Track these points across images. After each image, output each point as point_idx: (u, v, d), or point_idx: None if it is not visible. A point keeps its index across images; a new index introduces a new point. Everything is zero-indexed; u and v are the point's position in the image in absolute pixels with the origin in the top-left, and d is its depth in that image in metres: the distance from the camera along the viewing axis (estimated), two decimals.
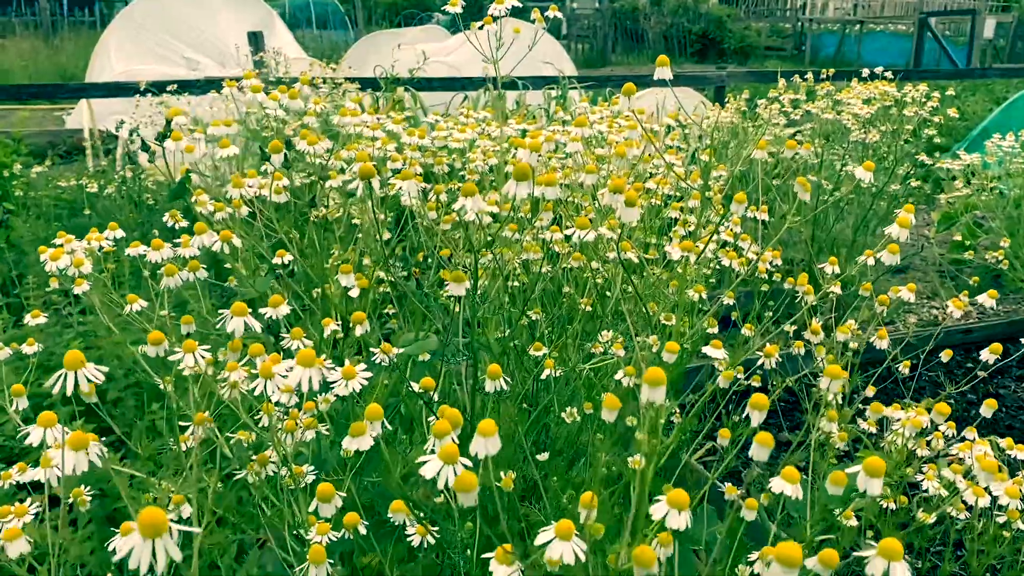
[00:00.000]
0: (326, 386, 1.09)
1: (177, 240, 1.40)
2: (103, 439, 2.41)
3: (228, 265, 1.65)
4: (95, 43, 9.19)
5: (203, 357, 1.00)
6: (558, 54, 8.47)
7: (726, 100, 3.60)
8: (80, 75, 10.57)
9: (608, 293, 1.63)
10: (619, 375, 1.18)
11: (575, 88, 5.88)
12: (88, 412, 2.53)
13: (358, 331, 1.05)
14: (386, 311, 2.04)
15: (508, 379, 1.04)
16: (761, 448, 0.73)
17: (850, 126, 3.09)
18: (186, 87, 4.68)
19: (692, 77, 7.34)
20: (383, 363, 1.10)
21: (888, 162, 3.22)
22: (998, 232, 4.10)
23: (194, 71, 8.02)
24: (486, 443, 0.67)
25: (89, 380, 0.95)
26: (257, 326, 0.88)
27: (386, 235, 1.79)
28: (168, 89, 4.46)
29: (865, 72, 3.39)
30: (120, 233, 1.47)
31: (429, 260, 1.53)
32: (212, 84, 4.81)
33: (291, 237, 1.58)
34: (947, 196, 4.16)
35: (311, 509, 0.92)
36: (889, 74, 3.35)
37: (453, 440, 0.77)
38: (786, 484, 0.78)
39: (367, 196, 0.95)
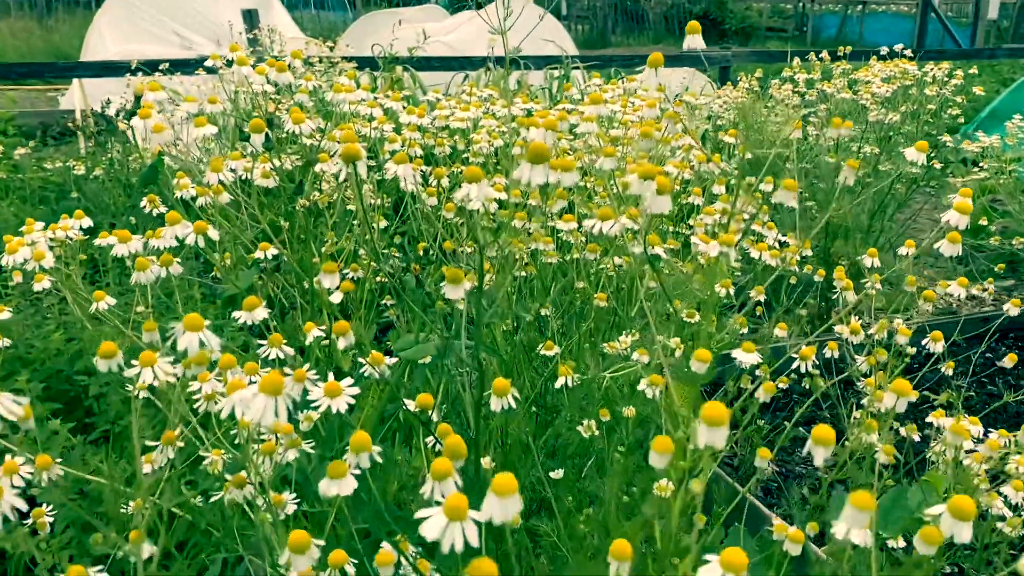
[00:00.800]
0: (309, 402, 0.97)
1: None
2: (85, 436, 2.28)
3: (217, 255, 1.52)
4: (90, 23, 9.00)
5: (165, 371, 0.87)
6: (559, 34, 8.29)
7: (738, 80, 3.45)
8: (75, 55, 10.38)
9: (623, 286, 1.50)
10: (643, 385, 1.05)
11: (577, 68, 5.72)
12: (68, 408, 2.40)
13: (341, 344, 0.92)
14: (384, 302, 1.91)
15: (516, 395, 0.91)
16: (859, 513, 0.59)
17: (868, 106, 2.95)
18: (179, 66, 4.53)
19: (696, 57, 7.15)
20: (374, 376, 0.97)
21: (905, 144, 3.08)
22: (1017, 216, 3.97)
23: (189, 51, 7.85)
24: (504, 505, 0.52)
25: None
26: (215, 342, 0.74)
27: (382, 222, 1.66)
28: (160, 68, 4.30)
29: (884, 50, 3.25)
30: (88, 222, 1.34)
31: (431, 252, 1.39)
32: (205, 65, 4.65)
33: (279, 226, 1.45)
34: (963, 179, 4.02)
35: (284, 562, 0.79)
36: (909, 52, 3.21)
37: (456, 484, 0.64)
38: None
39: (354, 181, 0.82)
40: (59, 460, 2.10)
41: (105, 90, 5.87)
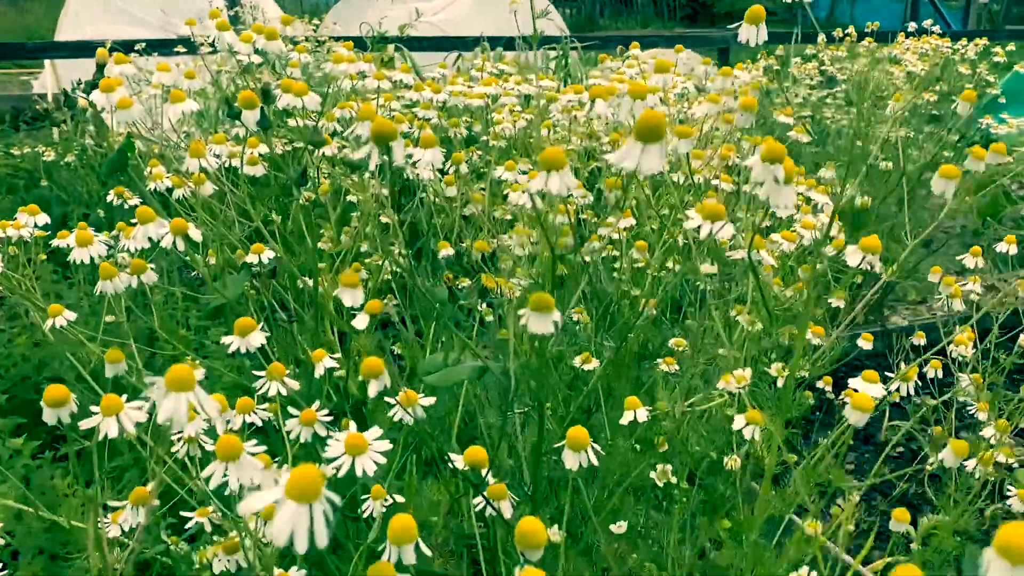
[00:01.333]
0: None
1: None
2: (55, 451, 2.05)
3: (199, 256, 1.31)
4: (64, 4, 8.66)
5: (134, 419, 0.66)
6: (552, 15, 8.04)
7: (758, 57, 3.24)
8: (49, 38, 10.03)
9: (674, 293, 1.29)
10: (739, 424, 0.85)
11: (575, 48, 5.50)
12: (36, 420, 2.18)
13: (373, 390, 0.70)
14: (386, 301, 1.69)
15: (598, 449, 0.70)
16: None
17: (900, 85, 2.75)
18: (157, 47, 4.27)
19: (694, 38, 6.96)
20: (405, 420, 0.76)
21: (938, 127, 2.89)
22: None
23: (167, 31, 7.56)
24: None
25: None
26: (211, 406, 0.53)
27: (387, 216, 1.45)
28: (136, 48, 4.06)
29: (912, 26, 3.05)
30: (45, 218, 1.12)
31: (464, 258, 1.18)
32: (186, 44, 4.40)
33: (270, 220, 1.23)
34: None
35: None
36: (938, 28, 3.02)
37: None
38: None
39: (384, 167, 0.61)
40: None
41: (81, 72, 5.60)
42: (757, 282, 0.80)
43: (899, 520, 0.82)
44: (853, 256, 0.80)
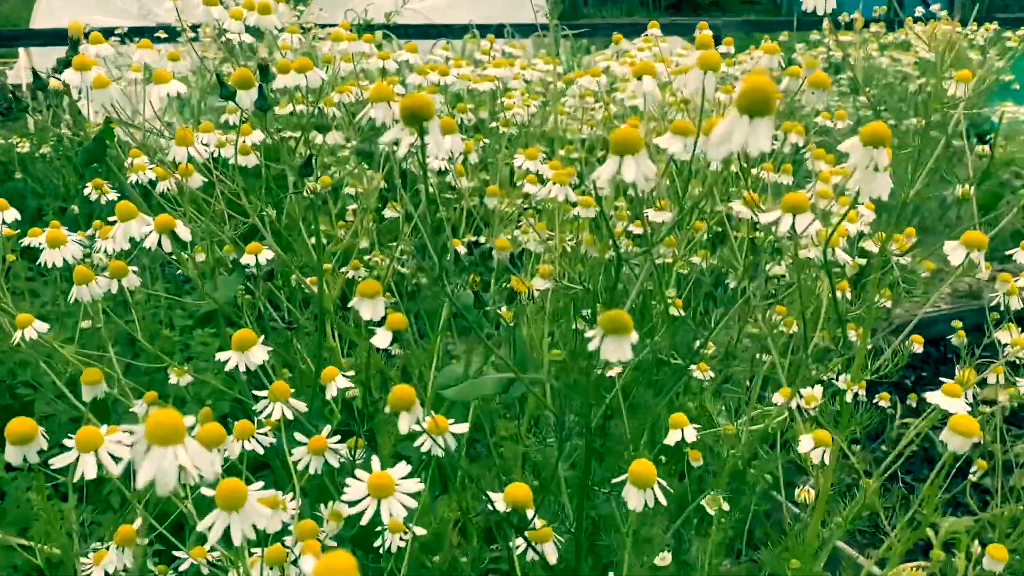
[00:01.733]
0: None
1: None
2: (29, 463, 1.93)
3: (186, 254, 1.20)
4: None
5: (112, 456, 0.55)
6: (539, 3, 7.92)
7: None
8: (24, 28, 9.80)
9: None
10: (807, 446, 0.76)
11: (566, 36, 5.39)
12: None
13: (404, 425, 0.59)
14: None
15: (664, 484, 0.60)
16: None
17: (910, 72, 2.67)
18: (137, 34, 4.14)
19: (684, 26, 6.84)
20: (429, 450, 0.65)
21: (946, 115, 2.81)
22: None
23: (146, 18, 7.40)
24: None
25: None
26: (207, 465, 0.42)
27: (396, 210, 1.34)
28: (117, 31, 3.92)
29: (919, 11, 2.97)
30: (14, 214, 1.01)
31: (487, 257, 1.07)
32: (166, 31, 4.26)
33: (264, 214, 1.12)
34: (982, 149, 3.76)
35: None
36: (944, 13, 2.94)
37: None
38: None
39: (420, 154, 0.51)
40: None
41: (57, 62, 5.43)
42: (831, 285, 0.70)
43: (996, 559, 0.72)
44: (955, 254, 0.71)
